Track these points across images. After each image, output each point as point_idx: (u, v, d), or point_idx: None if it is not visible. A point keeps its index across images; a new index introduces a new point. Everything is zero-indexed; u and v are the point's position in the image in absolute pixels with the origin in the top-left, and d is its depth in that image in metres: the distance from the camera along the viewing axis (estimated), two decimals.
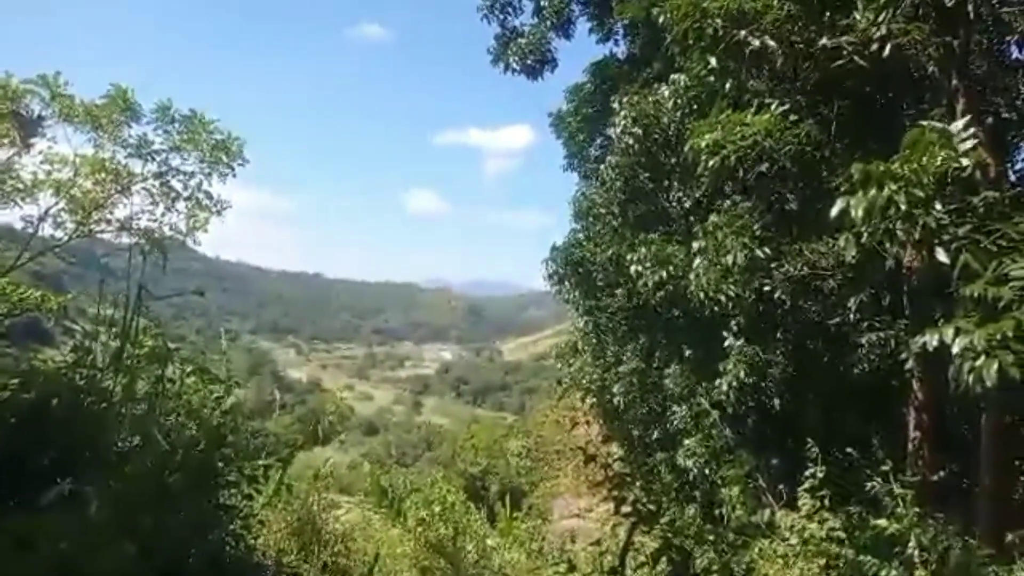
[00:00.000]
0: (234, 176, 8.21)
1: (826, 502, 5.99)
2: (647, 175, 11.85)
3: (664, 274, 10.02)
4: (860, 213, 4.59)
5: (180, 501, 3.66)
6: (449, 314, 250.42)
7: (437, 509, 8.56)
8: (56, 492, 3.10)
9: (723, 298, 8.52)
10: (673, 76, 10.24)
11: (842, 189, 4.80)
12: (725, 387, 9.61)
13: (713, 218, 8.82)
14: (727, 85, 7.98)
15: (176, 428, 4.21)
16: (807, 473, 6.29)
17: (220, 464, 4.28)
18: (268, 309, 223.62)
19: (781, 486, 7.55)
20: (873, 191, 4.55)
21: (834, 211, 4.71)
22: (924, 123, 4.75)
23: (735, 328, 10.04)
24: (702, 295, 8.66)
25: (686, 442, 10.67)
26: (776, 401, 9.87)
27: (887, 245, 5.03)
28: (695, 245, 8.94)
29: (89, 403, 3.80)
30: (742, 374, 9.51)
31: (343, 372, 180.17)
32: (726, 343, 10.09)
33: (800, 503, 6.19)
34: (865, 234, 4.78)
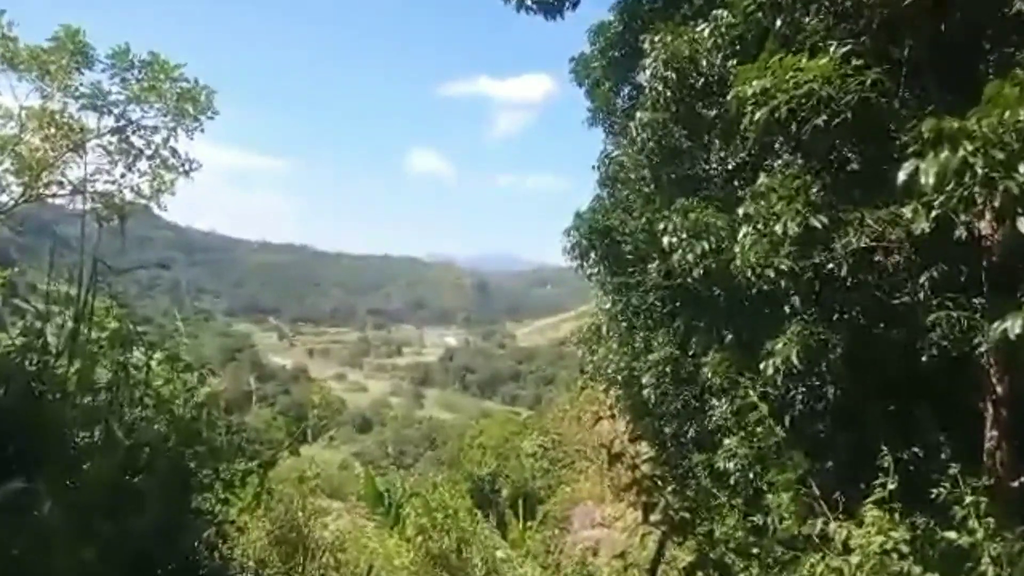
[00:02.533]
0: (202, 131, 8.27)
1: (896, 516, 5.95)
2: (683, 130, 11.72)
3: (704, 246, 9.94)
4: (931, 179, 4.53)
5: (146, 504, 3.68)
6: (454, 293, 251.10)
7: (440, 516, 8.68)
8: (4, 492, 3.09)
9: (772, 274, 8.43)
10: (714, 12, 10.10)
11: (912, 148, 4.74)
12: (771, 370, 9.41)
13: (764, 179, 8.73)
14: (778, 23, 7.94)
15: (142, 422, 4.23)
16: (877, 483, 6.23)
17: (192, 464, 4.33)
18: (247, 286, 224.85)
19: (836, 494, 7.52)
20: (946, 152, 4.48)
21: (901, 176, 4.65)
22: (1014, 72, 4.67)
23: (787, 309, 10.01)
24: (748, 271, 8.56)
25: (726, 441, 10.57)
26: (830, 390, 9.82)
27: (961, 215, 4.98)
28: (740, 212, 8.80)
29: (41, 393, 3.81)
30: (793, 356, 9.33)
31: (333, 359, 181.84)
32: (776, 325, 9.90)
33: (865, 513, 6.15)
34: (937, 203, 4.75)
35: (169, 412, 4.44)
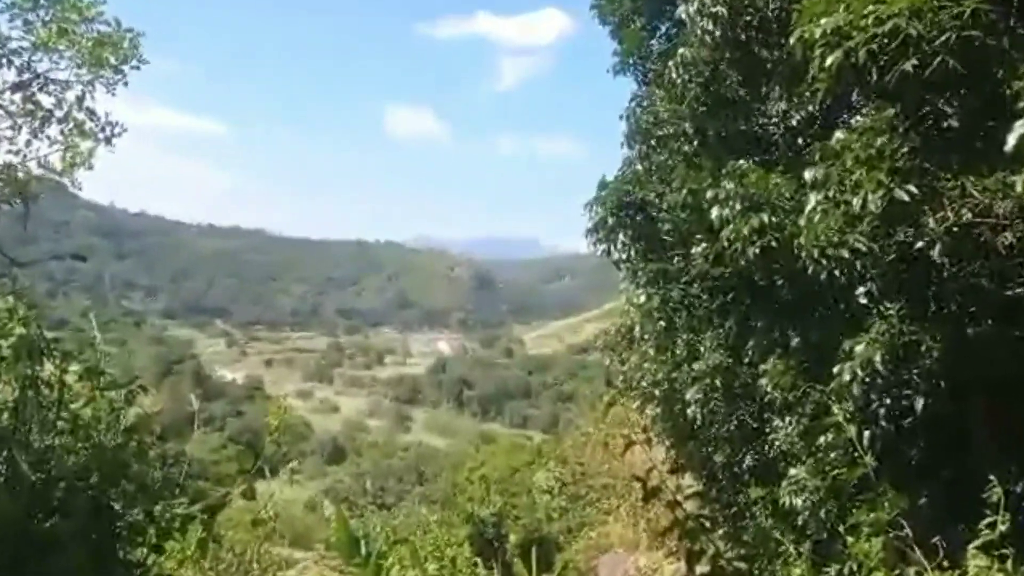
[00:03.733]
0: (125, 85, 8.23)
1: (1008, 564, 5.92)
2: (736, 77, 11.76)
3: (762, 220, 9.98)
4: None
5: (59, 554, 3.69)
6: (447, 288, 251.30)
7: (432, 568, 8.67)
8: None
9: (847, 254, 8.48)
10: None
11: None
12: (847, 377, 9.48)
13: (839, 134, 8.74)
14: None
15: (54, 452, 4.24)
16: (984, 523, 6.18)
17: (118, 505, 4.32)
18: (188, 281, 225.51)
19: (933, 536, 7.49)
20: None
21: (1011, 140, 4.64)
22: None
23: (866, 302, 10.00)
24: (815, 251, 8.62)
25: (792, 471, 10.63)
26: (922, 403, 9.71)
27: None
28: (807, 176, 8.85)
29: None
30: (876, 360, 9.36)
31: (296, 371, 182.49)
32: (853, 322, 9.99)
33: (969, 560, 6.12)
34: None
35: (89, 439, 4.43)
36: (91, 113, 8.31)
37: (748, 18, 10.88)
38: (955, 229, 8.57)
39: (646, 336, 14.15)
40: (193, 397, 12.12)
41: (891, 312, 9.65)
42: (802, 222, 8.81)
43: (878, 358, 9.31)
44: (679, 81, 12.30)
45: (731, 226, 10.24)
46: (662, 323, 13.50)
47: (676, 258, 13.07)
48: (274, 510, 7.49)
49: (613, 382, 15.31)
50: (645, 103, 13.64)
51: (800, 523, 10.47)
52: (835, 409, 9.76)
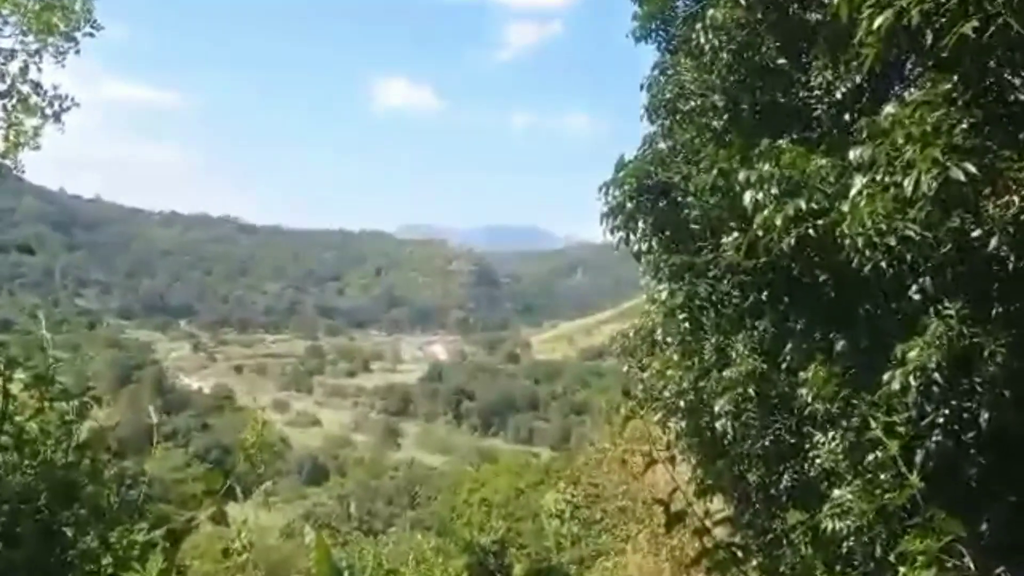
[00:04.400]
0: (77, 53, 8.21)
1: None
2: (773, 42, 11.78)
3: (800, 205, 9.95)
4: None
5: None
6: (444, 284, 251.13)
7: None
8: None
9: (894, 242, 8.48)
10: None
11: None
12: (899, 385, 9.45)
13: (889, 108, 8.68)
14: None
15: None
16: None
17: (69, 530, 4.34)
18: (148, 276, 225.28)
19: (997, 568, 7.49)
20: None
21: None
22: None
23: (921, 299, 9.92)
24: (861, 240, 8.59)
25: (836, 493, 10.55)
26: (986, 415, 9.64)
27: None
28: (853, 156, 8.82)
29: None
30: (932, 366, 9.30)
31: (270, 379, 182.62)
32: (907, 323, 9.92)
33: None
34: None
35: (37, 457, 4.45)
36: (36, 86, 8.33)
37: None
38: (1021, 217, 8.56)
39: (669, 339, 14.04)
40: (154, 409, 12.09)
41: (949, 312, 9.55)
42: (846, 207, 8.77)
43: (934, 364, 9.24)
44: (708, 47, 12.23)
45: (766, 212, 10.17)
46: (687, 324, 13.36)
47: (704, 249, 12.97)
48: (247, 537, 7.48)
49: (632, 391, 15.15)
50: (669, 72, 13.56)
51: (844, 551, 10.38)
52: (872, 422, 9.86)
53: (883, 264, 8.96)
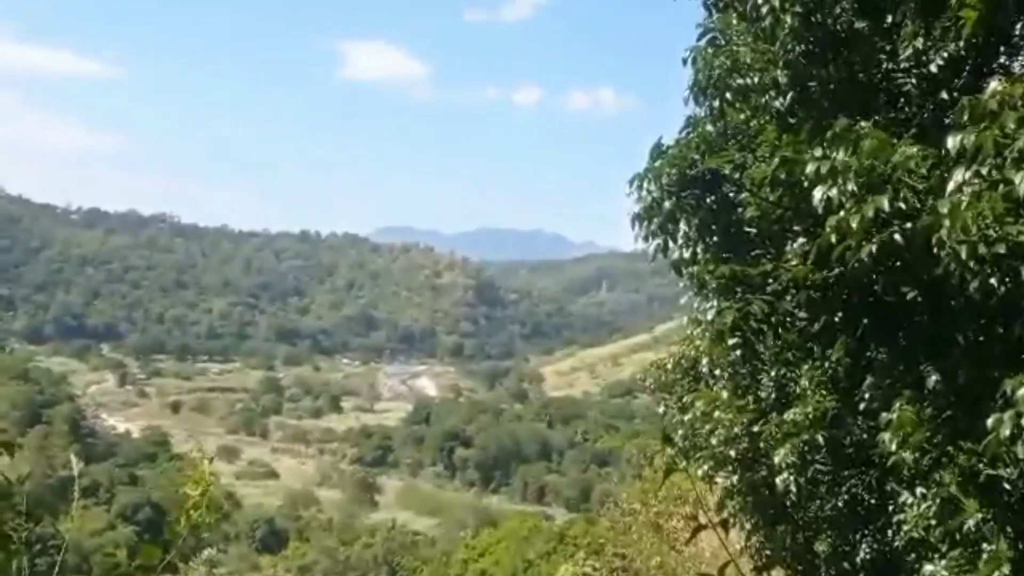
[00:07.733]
0: None
1: None
2: (850, 3, 11.14)
3: (884, 204, 9.34)
4: None
5: None
6: (432, 300, 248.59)
7: None
8: None
9: (1004, 252, 8.06)
10: None
11: None
12: (1008, 431, 8.82)
13: (995, 84, 8.37)
14: None
15: None
16: None
17: None
18: (61, 290, 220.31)
19: None
20: None
21: None
22: None
23: None
24: (963, 250, 8.16)
25: (929, 568, 10.11)
26: None
27: None
28: (951, 144, 8.37)
29: None
30: None
31: (215, 420, 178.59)
32: (1015, 355, 9.42)
33: None
34: None
35: None
36: None
37: None
38: None
39: (717, 371, 13.86)
40: (73, 456, 10.88)
41: None
42: (944, 208, 8.31)
43: None
44: (767, 8, 11.42)
45: (842, 212, 9.59)
46: (740, 352, 12.44)
47: (762, 258, 12.27)
48: None
49: (671, 438, 14.36)
50: (720, 41, 12.72)
51: None
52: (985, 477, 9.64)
53: (991, 280, 8.44)
